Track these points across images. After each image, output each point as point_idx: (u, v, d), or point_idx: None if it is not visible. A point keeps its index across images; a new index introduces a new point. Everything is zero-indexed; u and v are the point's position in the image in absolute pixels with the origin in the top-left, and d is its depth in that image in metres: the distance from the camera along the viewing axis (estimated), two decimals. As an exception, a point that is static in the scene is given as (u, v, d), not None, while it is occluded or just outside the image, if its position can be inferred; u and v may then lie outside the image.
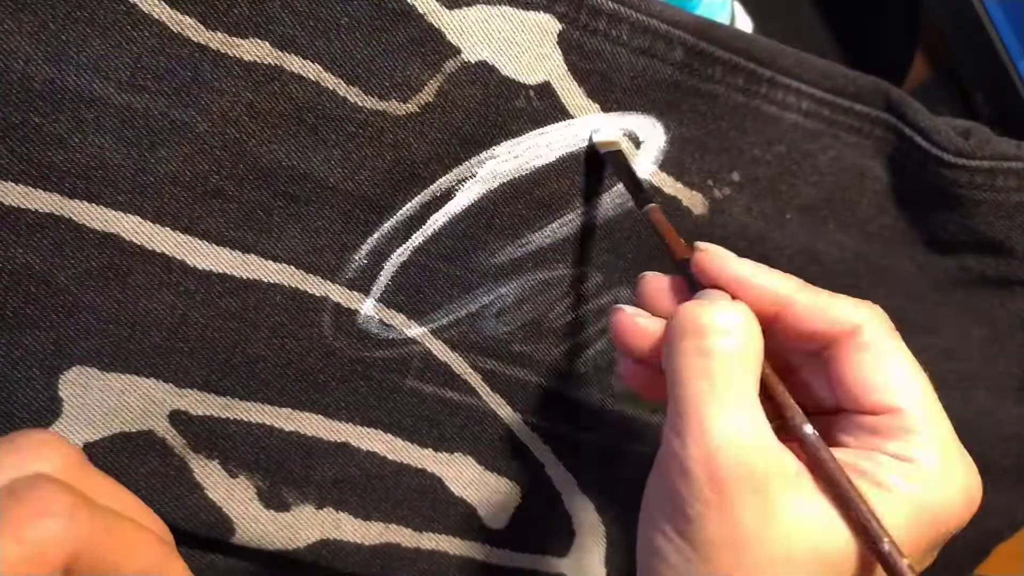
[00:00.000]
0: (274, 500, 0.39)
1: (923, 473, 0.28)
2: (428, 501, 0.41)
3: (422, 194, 0.37)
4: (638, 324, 0.32)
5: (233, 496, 0.38)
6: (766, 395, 0.29)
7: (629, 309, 0.33)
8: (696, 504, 0.27)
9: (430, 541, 0.42)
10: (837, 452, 0.29)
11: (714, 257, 0.31)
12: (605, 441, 0.43)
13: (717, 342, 0.28)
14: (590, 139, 0.38)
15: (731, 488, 0.27)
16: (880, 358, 0.30)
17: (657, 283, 0.33)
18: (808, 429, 0.29)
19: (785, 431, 0.29)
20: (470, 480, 0.42)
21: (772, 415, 0.29)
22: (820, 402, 0.32)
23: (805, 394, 0.32)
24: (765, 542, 0.27)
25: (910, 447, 0.29)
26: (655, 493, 0.29)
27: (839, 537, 0.27)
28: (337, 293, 0.37)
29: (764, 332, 0.30)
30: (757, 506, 0.27)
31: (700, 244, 0.32)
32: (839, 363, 0.30)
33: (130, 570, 0.26)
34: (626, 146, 0.39)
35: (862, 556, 0.27)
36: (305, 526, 0.39)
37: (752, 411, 0.28)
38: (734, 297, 0.30)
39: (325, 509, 0.39)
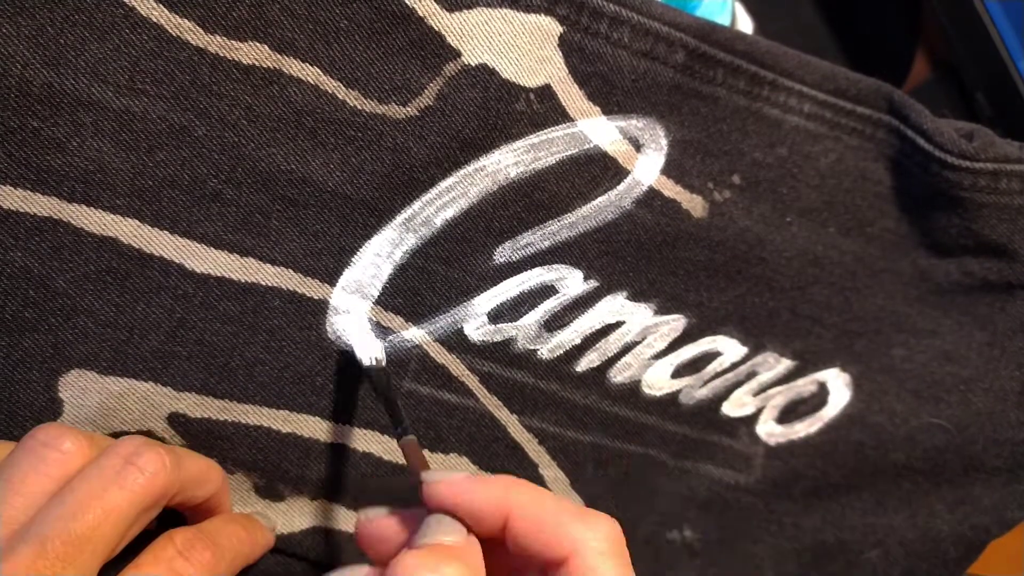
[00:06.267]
0: (270, 494, 0.39)
1: None
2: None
3: (421, 197, 0.37)
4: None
5: (230, 489, 0.38)
6: None
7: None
8: None
9: None
10: None
11: (435, 486, 0.30)
12: (600, 441, 0.44)
13: None
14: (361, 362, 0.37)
15: None
16: None
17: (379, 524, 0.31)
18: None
19: None
20: None
21: None
22: None
23: None
24: None
25: None
26: None
27: None
28: (335, 296, 0.37)
29: (496, 549, 0.29)
30: None
31: (423, 475, 0.30)
32: None
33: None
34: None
35: None
36: (299, 514, 0.39)
37: None
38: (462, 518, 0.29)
39: (318, 501, 0.40)
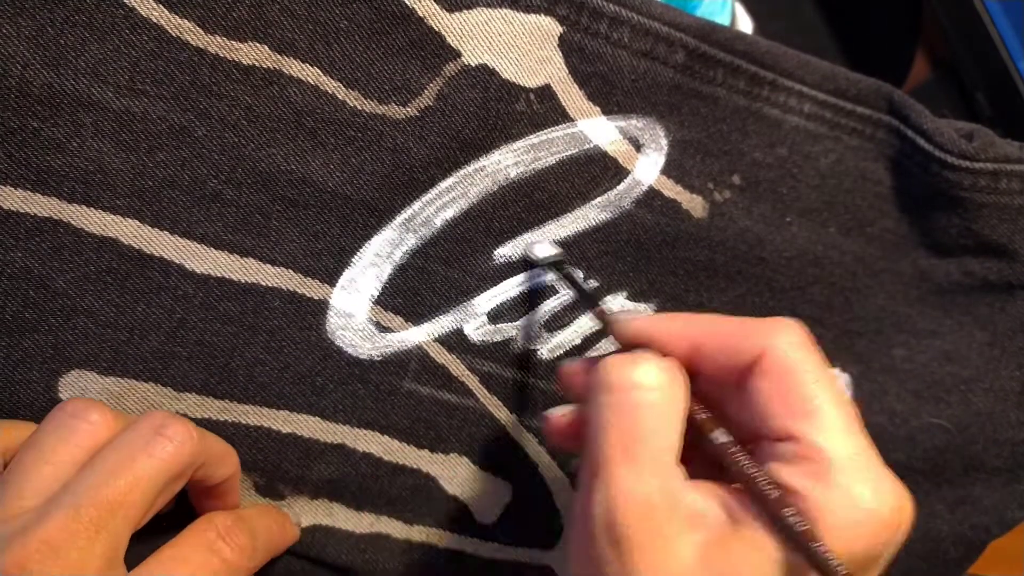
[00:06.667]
0: (270, 493, 0.39)
1: (821, 499, 0.27)
2: (421, 498, 0.41)
3: (421, 198, 0.37)
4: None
5: None
6: (690, 424, 0.30)
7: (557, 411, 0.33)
8: (601, 563, 0.27)
9: (420, 534, 0.42)
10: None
11: (628, 322, 0.32)
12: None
13: (635, 397, 0.29)
14: (531, 255, 0.39)
15: (631, 546, 0.27)
16: (780, 383, 0.29)
17: (573, 368, 0.33)
18: (719, 436, 0.29)
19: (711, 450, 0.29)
20: (464, 479, 0.42)
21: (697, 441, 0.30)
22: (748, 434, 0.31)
23: (736, 428, 0.31)
24: None
25: (809, 473, 0.28)
26: (571, 541, 0.30)
27: None
28: (335, 296, 0.37)
29: (692, 376, 0.30)
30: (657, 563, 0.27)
31: (614, 316, 0.33)
32: (748, 392, 0.30)
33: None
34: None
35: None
36: (299, 512, 0.39)
37: (665, 469, 0.28)
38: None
39: (319, 499, 0.40)
